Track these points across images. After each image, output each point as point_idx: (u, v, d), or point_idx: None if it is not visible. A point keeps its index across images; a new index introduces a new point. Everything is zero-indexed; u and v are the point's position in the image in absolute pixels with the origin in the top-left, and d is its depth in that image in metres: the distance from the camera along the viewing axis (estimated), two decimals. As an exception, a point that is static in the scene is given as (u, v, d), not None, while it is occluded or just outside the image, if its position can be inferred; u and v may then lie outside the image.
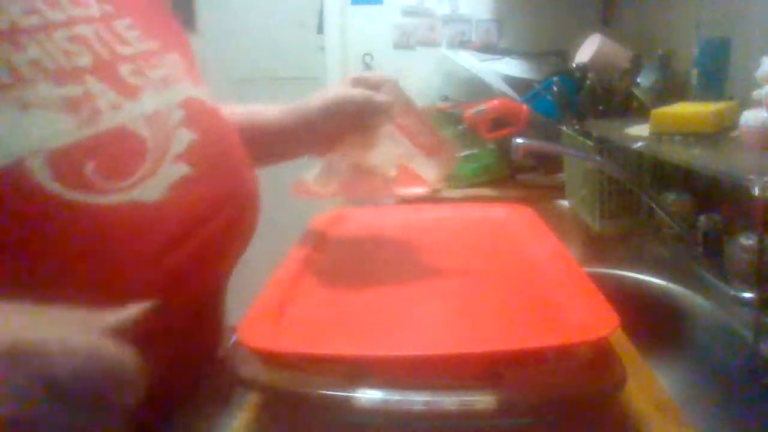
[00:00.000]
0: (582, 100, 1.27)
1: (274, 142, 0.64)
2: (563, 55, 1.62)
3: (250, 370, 0.41)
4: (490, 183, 1.34)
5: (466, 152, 1.34)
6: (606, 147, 0.94)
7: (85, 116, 0.40)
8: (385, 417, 0.39)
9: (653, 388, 0.47)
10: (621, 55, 1.31)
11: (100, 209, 0.39)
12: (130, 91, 0.44)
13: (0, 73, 0.37)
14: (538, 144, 0.95)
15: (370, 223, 0.74)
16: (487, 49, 1.75)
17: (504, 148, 1.25)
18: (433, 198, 1.19)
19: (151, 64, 0.48)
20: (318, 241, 0.67)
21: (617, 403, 0.44)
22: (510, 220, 0.73)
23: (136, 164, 0.42)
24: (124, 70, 0.45)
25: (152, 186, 0.42)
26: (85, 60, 0.43)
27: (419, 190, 0.63)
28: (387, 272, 0.58)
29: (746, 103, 0.81)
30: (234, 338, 0.47)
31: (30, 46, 0.39)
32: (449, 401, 0.37)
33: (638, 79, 1.27)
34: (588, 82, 1.28)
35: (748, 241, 0.71)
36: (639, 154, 0.91)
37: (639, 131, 0.92)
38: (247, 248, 0.55)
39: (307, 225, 0.72)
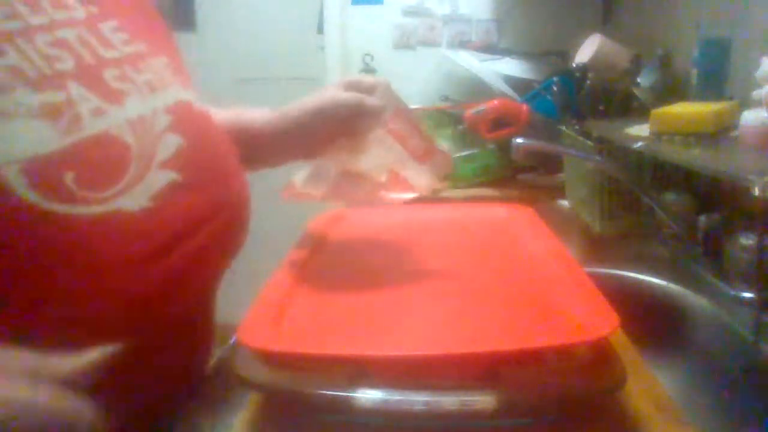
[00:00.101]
0: (582, 100, 1.27)
1: (263, 147, 0.63)
2: (563, 55, 1.62)
3: (250, 370, 0.41)
4: (490, 183, 1.34)
5: (466, 152, 1.34)
6: (606, 147, 0.94)
7: (65, 123, 0.39)
8: (385, 417, 0.39)
9: (653, 388, 0.47)
10: (621, 55, 1.31)
11: (81, 220, 0.38)
12: (114, 97, 0.43)
13: None
14: (538, 144, 0.95)
15: (370, 223, 0.74)
16: (487, 49, 1.75)
17: (504, 148, 1.24)
18: (433, 198, 1.19)
19: (137, 67, 0.47)
20: (318, 241, 0.67)
21: (617, 403, 0.44)
22: (510, 220, 0.73)
23: (119, 172, 0.41)
24: (109, 74, 0.44)
25: (137, 194, 0.41)
26: (67, 65, 0.41)
27: (409, 196, 0.62)
28: (387, 272, 0.58)
29: (746, 103, 0.81)
30: (234, 338, 0.47)
31: (9, 52, 0.38)
32: (449, 401, 0.37)
33: (638, 79, 1.27)
34: (588, 82, 1.28)
35: (748, 241, 0.71)
36: (639, 154, 0.91)
37: (639, 131, 0.92)
38: (245, 249, 0.55)
39: (306, 225, 0.72)
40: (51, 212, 0.37)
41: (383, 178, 0.60)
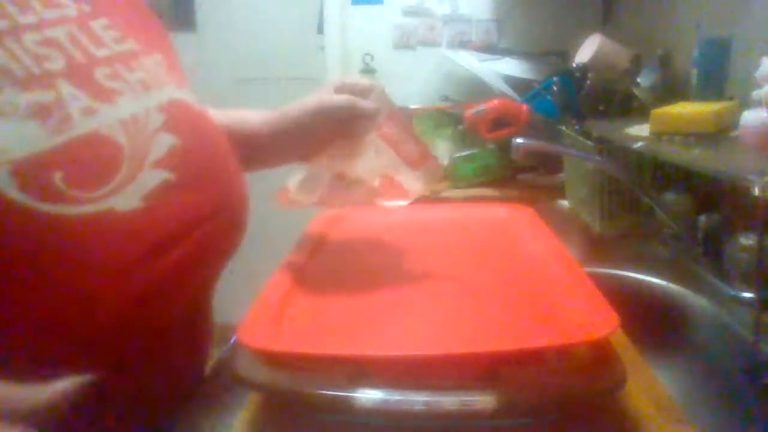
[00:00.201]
0: (582, 100, 1.27)
1: (260, 148, 0.62)
2: (563, 55, 1.62)
3: (250, 370, 0.41)
4: (490, 183, 1.34)
5: (466, 152, 1.34)
6: (606, 147, 0.94)
7: (54, 123, 0.38)
8: (385, 417, 0.39)
9: (653, 388, 0.47)
10: (621, 55, 1.32)
11: (72, 220, 0.38)
12: (105, 95, 0.42)
13: None
14: (538, 144, 0.95)
15: (370, 224, 0.74)
16: (487, 49, 1.75)
17: (504, 148, 1.24)
18: (433, 198, 1.19)
19: (129, 66, 0.46)
20: (317, 241, 0.67)
21: (617, 403, 0.44)
22: (510, 220, 0.73)
23: (111, 172, 0.40)
24: (100, 73, 0.43)
25: (129, 194, 0.41)
26: (57, 64, 0.41)
27: (401, 202, 0.62)
28: (387, 272, 0.58)
29: (746, 103, 0.81)
30: (234, 338, 0.47)
31: None
32: (449, 401, 0.37)
33: (638, 79, 1.27)
34: (588, 82, 1.28)
35: (748, 241, 0.71)
36: (639, 154, 0.91)
37: (639, 131, 0.92)
38: (244, 250, 0.55)
39: (306, 225, 0.72)
40: (40, 212, 0.36)
41: (376, 183, 0.60)
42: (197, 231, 0.45)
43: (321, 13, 1.96)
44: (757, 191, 0.57)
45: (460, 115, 1.33)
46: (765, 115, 0.72)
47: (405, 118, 0.60)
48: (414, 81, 1.85)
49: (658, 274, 0.80)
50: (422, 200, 0.65)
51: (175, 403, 0.48)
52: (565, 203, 1.18)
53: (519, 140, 0.90)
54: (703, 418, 0.65)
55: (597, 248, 0.94)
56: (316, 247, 0.65)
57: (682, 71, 1.17)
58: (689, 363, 0.73)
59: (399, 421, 0.39)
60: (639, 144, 0.85)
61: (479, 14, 1.88)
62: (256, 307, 0.48)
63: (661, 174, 0.94)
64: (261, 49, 2.30)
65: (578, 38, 1.44)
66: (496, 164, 1.35)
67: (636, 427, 0.42)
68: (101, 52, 0.44)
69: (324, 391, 0.39)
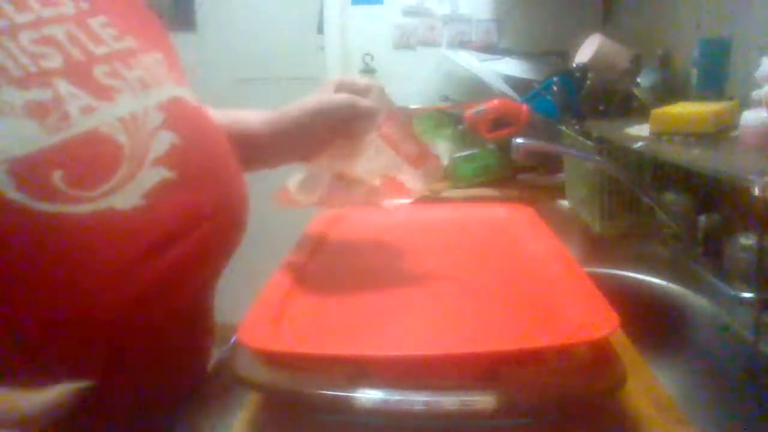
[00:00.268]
0: (582, 100, 1.27)
1: (260, 148, 0.62)
2: (563, 55, 1.62)
3: (250, 370, 0.41)
4: (491, 183, 1.34)
5: (466, 152, 1.34)
6: (606, 147, 0.94)
7: (52, 121, 0.38)
8: (385, 417, 0.39)
9: (653, 388, 0.47)
10: (621, 55, 1.32)
11: (71, 219, 0.37)
12: (104, 94, 0.42)
13: None
14: (538, 144, 0.95)
15: (370, 224, 0.74)
16: (487, 49, 1.75)
17: (504, 148, 1.24)
18: (433, 198, 1.19)
19: (127, 64, 0.46)
20: (317, 241, 0.67)
21: (617, 403, 0.44)
22: (510, 220, 0.73)
23: (110, 170, 0.40)
24: (99, 71, 0.43)
25: (129, 192, 0.41)
26: (54, 62, 0.41)
27: (402, 201, 0.62)
28: (387, 272, 0.58)
29: (746, 103, 0.81)
30: (234, 338, 0.47)
31: None
32: (449, 401, 0.37)
33: (638, 79, 1.27)
34: (588, 82, 1.28)
35: (748, 241, 0.71)
36: (639, 154, 0.91)
37: (639, 131, 0.92)
38: (244, 249, 0.55)
39: (307, 225, 0.72)
40: (39, 211, 0.36)
41: (377, 182, 0.60)
42: (197, 230, 0.45)
43: (321, 13, 1.96)
44: (757, 191, 0.57)
45: (460, 115, 1.33)
46: (765, 115, 0.72)
47: (405, 117, 0.60)
48: (414, 81, 1.85)
49: (658, 274, 0.80)
50: (422, 200, 0.65)
51: (175, 403, 0.48)
52: (565, 203, 1.18)
53: (519, 140, 0.90)
54: (703, 418, 0.66)
55: (597, 248, 0.94)
56: (316, 247, 0.65)
57: (682, 71, 1.17)
58: (689, 363, 0.73)
59: (399, 421, 0.39)
60: (639, 144, 0.85)
61: (479, 14, 1.88)
62: (256, 307, 0.48)
63: (661, 174, 0.94)
64: (261, 49, 2.30)
65: (578, 38, 1.44)
66: (496, 164, 1.36)
67: (636, 427, 0.42)
68: (100, 50, 0.44)
69: (324, 391, 0.39)
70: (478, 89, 1.58)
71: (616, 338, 0.49)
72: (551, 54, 1.67)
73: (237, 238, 0.53)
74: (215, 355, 0.57)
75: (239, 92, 2.23)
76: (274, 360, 0.41)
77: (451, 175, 1.32)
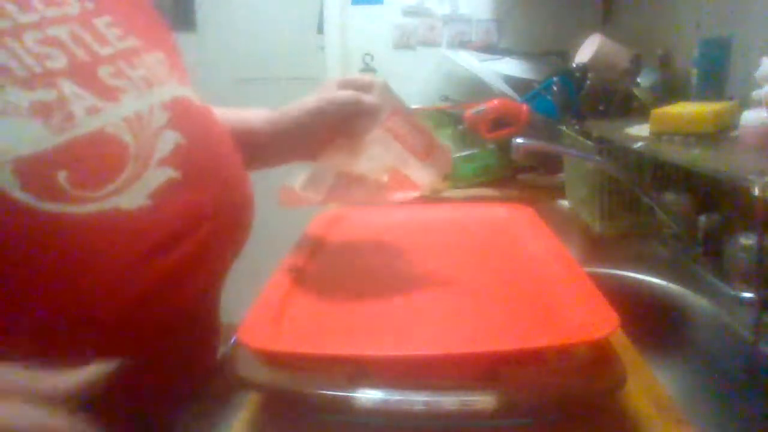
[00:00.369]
0: (582, 100, 1.27)
1: (262, 147, 0.62)
2: (563, 55, 1.62)
3: (250, 370, 0.41)
4: (490, 183, 1.34)
5: (466, 152, 1.34)
6: (606, 147, 0.94)
7: (57, 122, 0.38)
8: (385, 417, 0.39)
9: (653, 388, 0.47)
10: (621, 55, 1.32)
11: (76, 219, 0.38)
12: (109, 94, 0.42)
13: None
14: (538, 144, 0.95)
15: (370, 224, 0.74)
16: (487, 49, 1.75)
17: (504, 148, 1.24)
18: (433, 198, 1.19)
19: (132, 64, 0.46)
20: (318, 241, 0.67)
21: (617, 403, 0.44)
22: (510, 220, 0.73)
23: (115, 170, 0.40)
24: (103, 71, 0.43)
25: (135, 192, 0.41)
26: (59, 63, 0.41)
27: (411, 195, 0.62)
28: (387, 272, 0.58)
29: (746, 103, 0.81)
30: (234, 338, 0.47)
31: None
32: (449, 401, 0.37)
33: (638, 79, 1.27)
34: (588, 82, 1.28)
35: (748, 241, 0.71)
36: (639, 154, 0.91)
37: (639, 131, 0.92)
38: (245, 249, 0.55)
39: (307, 225, 0.72)
40: (44, 212, 0.36)
41: (385, 178, 0.60)
42: (202, 229, 0.45)
43: (321, 13, 1.96)
44: (757, 191, 0.57)
45: (460, 115, 1.33)
46: (765, 115, 0.73)
47: (410, 111, 0.60)
48: (414, 81, 1.85)
49: (658, 274, 0.80)
50: (422, 200, 0.65)
51: (180, 402, 0.48)
52: (565, 203, 1.18)
53: (519, 140, 0.90)
54: (703, 418, 0.66)
55: (597, 248, 0.94)
56: (316, 247, 0.65)
57: (682, 71, 1.17)
58: (689, 363, 0.73)
59: (399, 421, 0.39)
60: (639, 144, 0.85)
61: (479, 14, 1.88)
62: (256, 307, 0.48)
63: (661, 174, 0.94)
64: (261, 49, 2.30)
65: (578, 38, 1.44)
66: (496, 164, 1.36)
67: (636, 427, 0.42)
68: (105, 51, 0.44)
69: (324, 391, 0.39)
70: (478, 89, 1.58)
71: (616, 338, 0.49)
72: (551, 54, 1.67)
73: (242, 238, 0.53)
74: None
75: (239, 92, 2.23)
76: (274, 360, 0.41)
77: (451, 175, 1.32)
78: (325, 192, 0.58)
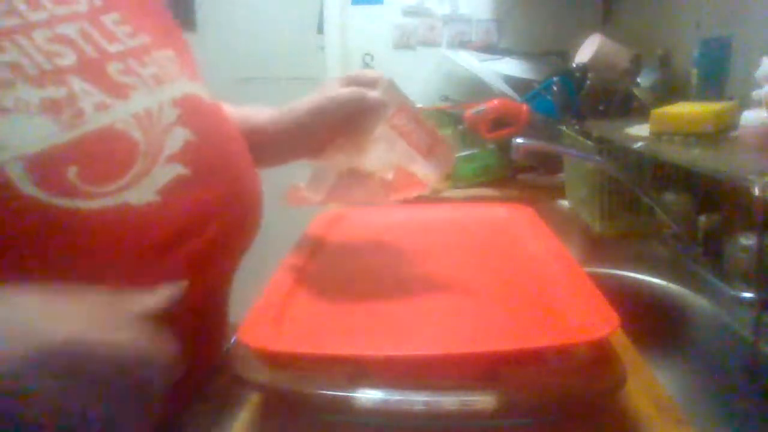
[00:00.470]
0: (582, 100, 1.27)
1: (267, 145, 0.62)
2: (563, 55, 1.62)
3: (250, 370, 0.41)
4: (490, 183, 1.34)
5: (466, 152, 1.34)
6: (606, 147, 0.94)
7: (67, 118, 0.39)
8: (385, 417, 0.39)
9: (653, 388, 0.47)
10: (621, 55, 1.32)
11: (86, 214, 0.38)
12: (119, 90, 0.43)
13: None
14: (538, 144, 0.95)
15: (370, 223, 0.74)
16: (487, 49, 1.75)
17: (504, 148, 1.24)
18: (433, 198, 1.19)
19: (141, 60, 0.46)
20: (318, 241, 0.67)
21: (617, 403, 0.44)
22: (510, 220, 0.73)
23: (125, 166, 0.41)
24: (113, 68, 0.44)
25: (144, 188, 0.41)
26: (68, 60, 0.41)
27: (416, 194, 0.62)
28: (387, 272, 0.58)
29: (746, 103, 0.81)
30: (234, 338, 0.47)
31: (8, 48, 0.38)
32: (449, 401, 0.37)
33: (638, 79, 1.27)
34: (588, 82, 1.28)
35: (748, 241, 0.71)
36: (639, 154, 0.91)
37: (639, 131, 0.92)
38: (251, 247, 0.55)
39: (307, 225, 0.72)
40: (54, 207, 0.37)
41: (390, 176, 0.59)
42: (210, 226, 0.46)
43: (321, 13, 1.96)
44: (757, 191, 0.57)
45: (460, 115, 1.33)
46: (765, 115, 0.73)
47: (415, 108, 0.59)
48: (414, 81, 1.85)
49: (658, 274, 0.80)
50: (422, 200, 0.65)
51: (184, 401, 0.48)
52: (565, 203, 1.18)
53: (519, 140, 0.90)
54: (703, 418, 0.66)
55: (597, 248, 0.94)
56: (316, 247, 0.65)
57: (682, 71, 1.17)
58: (689, 363, 0.73)
59: (399, 421, 0.39)
60: (639, 144, 0.85)
61: (479, 14, 1.88)
62: (256, 307, 0.48)
63: (661, 174, 0.94)
64: (261, 49, 2.29)
65: (578, 38, 1.44)
66: (496, 164, 1.36)
67: (636, 427, 0.42)
68: (113, 47, 0.45)
69: (324, 391, 0.39)
70: (478, 89, 1.58)
71: (616, 338, 0.49)
72: (551, 54, 1.67)
73: (250, 235, 0.53)
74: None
75: (239, 92, 2.21)
76: (274, 360, 0.41)
77: (451, 175, 1.32)
78: (327, 191, 0.58)
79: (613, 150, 0.93)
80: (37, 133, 0.37)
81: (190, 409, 0.48)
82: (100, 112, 0.41)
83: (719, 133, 0.81)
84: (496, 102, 1.29)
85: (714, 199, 0.89)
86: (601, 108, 1.23)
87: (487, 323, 0.47)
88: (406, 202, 0.62)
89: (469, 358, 0.40)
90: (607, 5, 1.76)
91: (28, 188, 0.36)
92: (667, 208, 0.86)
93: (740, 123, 0.76)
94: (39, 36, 0.40)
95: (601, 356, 0.41)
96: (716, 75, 0.99)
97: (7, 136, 0.36)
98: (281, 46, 2.29)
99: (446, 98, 1.73)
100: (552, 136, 1.14)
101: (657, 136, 0.86)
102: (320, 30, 1.99)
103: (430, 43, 1.90)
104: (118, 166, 0.40)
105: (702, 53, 1.00)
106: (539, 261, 0.58)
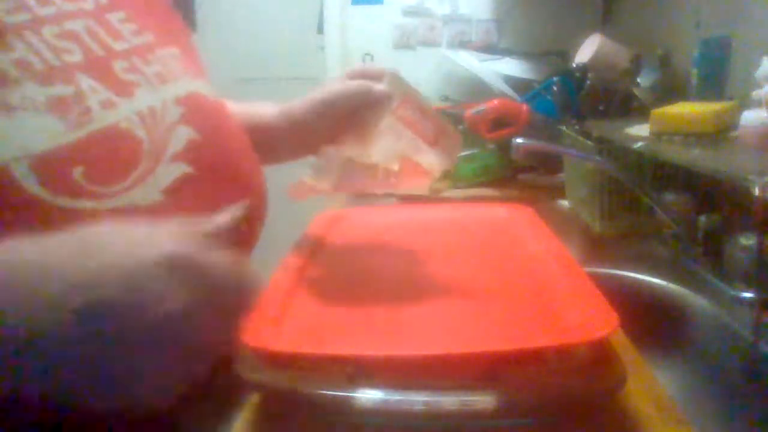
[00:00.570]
0: (582, 100, 1.27)
1: (270, 143, 0.62)
2: (563, 55, 1.62)
3: (251, 370, 0.41)
4: (490, 183, 1.34)
5: (466, 152, 1.34)
6: (606, 147, 0.94)
7: (74, 117, 0.39)
8: (385, 417, 0.39)
9: (653, 388, 0.47)
10: (621, 55, 1.32)
11: (91, 215, 0.38)
12: (123, 89, 0.43)
13: None
14: (538, 144, 0.95)
15: (370, 223, 0.74)
16: (487, 49, 1.75)
17: (504, 148, 1.24)
18: (433, 198, 1.19)
19: (146, 59, 0.46)
20: (318, 241, 0.67)
21: (617, 403, 0.44)
22: (510, 220, 0.73)
23: (129, 165, 0.41)
24: (118, 66, 0.43)
25: (148, 188, 0.41)
26: (75, 57, 0.41)
27: (420, 188, 0.61)
28: (386, 272, 0.58)
29: (746, 103, 0.81)
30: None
31: (16, 45, 0.38)
32: (449, 401, 0.37)
33: (638, 79, 1.27)
34: (588, 82, 1.28)
35: (748, 241, 0.71)
36: (639, 154, 0.91)
37: (639, 131, 0.92)
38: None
39: (307, 225, 0.72)
40: (60, 207, 0.37)
41: (396, 167, 0.59)
42: None
43: (321, 13, 1.96)
44: (757, 191, 0.57)
45: (460, 115, 1.33)
46: (765, 115, 0.73)
47: (421, 98, 0.59)
48: (414, 81, 1.83)
49: (658, 274, 0.80)
50: (422, 200, 0.65)
51: (186, 398, 0.48)
52: (565, 203, 1.18)
53: (519, 140, 0.90)
54: (703, 418, 0.66)
55: (597, 248, 0.94)
56: (316, 247, 0.65)
57: (682, 71, 1.17)
58: (689, 363, 0.73)
59: (399, 421, 0.39)
60: (639, 144, 0.85)
61: (479, 14, 1.88)
62: (256, 307, 0.47)
63: (661, 174, 0.94)
64: (261, 49, 2.30)
65: (578, 38, 1.44)
66: (496, 164, 1.35)
67: (636, 427, 0.42)
68: (119, 46, 0.45)
69: (324, 391, 0.39)
70: (478, 89, 1.58)
71: (616, 338, 0.49)
72: (551, 54, 1.67)
73: (255, 233, 0.53)
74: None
75: (239, 92, 2.21)
76: (274, 360, 0.41)
77: (451, 175, 1.32)
78: (333, 181, 0.57)
79: (613, 150, 0.93)
80: (43, 132, 0.37)
81: (190, 408, 0.48)
82: (106, 111, 0.41)
83: (719, 133, 0.81)
84: (496, 102, 1.28)
85: (714, 199, 0.89)
86: (601, 108, 1.23)
87: (487, 323, 0.47)
88: (407, 202, 0.62)
89: (469, 358, 0.40)
90: (607, 5, 1.76)
91: (33, 187, 0.36)
92: (667, 208, 0.86)
93: (740, 123, 0.76)
94: (48, 32, 0.40)
95: (601, 356, 0.41)
96: (716, 75, 0.99)
97: (12, 135, 0.36)
98: (281, 46, 2.29)
99: (446, 98, 1.73)
100: (552, 136, 1.14)
101: (657, 136, 0.86)
102: (320, 30, 1.99)
103: (430, 43, 1.90)
104: (123, 166, 0.40)
105: (702, 53, 1.00)
106: (539, 261, 0.58)
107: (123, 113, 0.42)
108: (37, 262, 0.29)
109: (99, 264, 0.28)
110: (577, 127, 1.15)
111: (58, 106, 0.38)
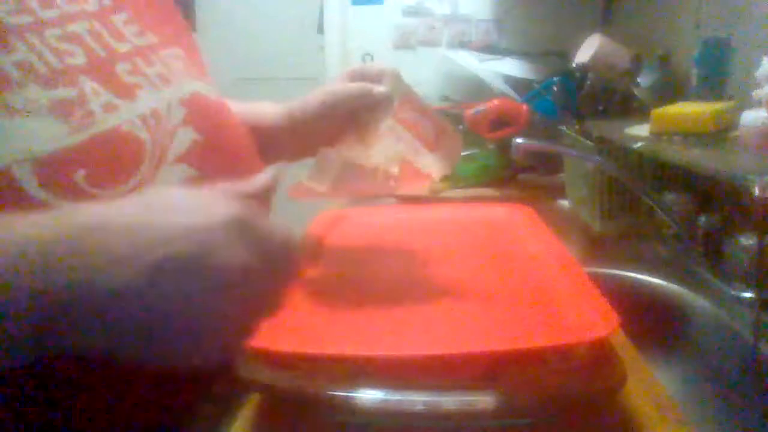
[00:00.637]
0: (582, 100, 1.27)
1: (272, 143, 0.62)
2: (563, 55, 1.62)
3: (250, 370, 0.41)
4: (491, 183, 1.34)
5: (466, 152, 1.34)
6: (606, 147, 0.94)
7: (76, 120, 0.39)
8: (385, 417, 0.39)
9: (653, 388, 0.47)
10: (621, 55, 1.31)
11: None
12: (126, 91, 0.42)
13: None
14: (538, 144, 0.95)
15: (370, 224, 0.74)
16: (487, 49, 1.75)
17: (504, 148, 1.24)
18: (433, 198, 1.19)
19: (148, 60, 0.46)
20: (318, 241, 0.67)
21: (617, 403, 0.44)
22: (510, 220, 0.73)
23: (132, 168, 0.41)
24: (121, 68, 0.43)
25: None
26: (78, 59, 0.41)
27: (420, 190, 0.61)
28: (387, 272, 0.58)
29: (746, 103, 0.81)
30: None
31: (19, 47, 0.38)
32: (449, 401, 0.37)
33: (638, 79, 1.27)
34: (588, 82, 1.28)
35: (748, 241, 0.71)
36: (639, 154, 0.91)
37: (639, 131, 0.92)
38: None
39: (308, 225, 0.72)
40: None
41: (395, 170, 0.59)
42: None
43: (321, 13, 1.96)
44: (757, 191, 0.57)
45: (460, 115, 1.33)
46: (765, 115, 0.72)
47: (421, 99, 0.59)
48: (414, 81, 1.84)
49: (658, 274, 0.80)
50: (422, 200, 0.65)
51: (187, 399, 0.48)
52: (565, 203, 1.18)
53: (519, 140, 0.90)
54: (703, 418, 0.66)
55: (597, 248, 0.94)
56: (316, 247, 0.65)
57: (682, 71, 1.17)
58: (689, 363, 0.73)
59: (399, 421, 0.39)
60: (639, 144, 0.85)
61: (479, 14, 1.88)
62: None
63: (661, 174, 0.94)
64: (261, 49, 2.30)
65: (578, 38, 1.43)
66: (496, 164, 1.35)
67: (636, 427, 0.42)
68: (122, 47, 0.45)
69: (324, 391, 0.39)
70: (478, 89, 1.58)
71: (616, 338, 0.49)
72: (551, 54, 1.67)
73: None
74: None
75: (239, 92, 2.21)
76: (274, 360, 0.41)
77: (451, 175, 1.32)
78: (332, 182, 0.57)
79: (613, 150, 0.93)
80: (46, 135, 0.37)
81: (191, 409, 0.48)
82: (108, 113, 0.41)
83: (719, 133, 0.81)
84: (496, 102, 1.28)
85: (714, 199, 0.88)
86: (601, 108, 1.23)
87: (486, 323, 0.47)
88: (407, 202, 0.62)
89: (469, 358, 0.41)
90: (607, 5, 1.76)
91: (35, 190, 0.36)
92: (667, 208, 0.86)
93: (740, 123, 0.76)
94: (50, 34, 0.40)
95: (601, 356, 0.41)
96: (716, 75, 0.99)
97: (14, 137, 0.36)
98: (281, 46, 2.29)
99: (446, 98, 1.73)
100: (552, 136, 1.14)
101: (657, 136, 0.86)
102: (320, 30, 1.99)
103: (430, 43, 1.90)
104: (125, 169, 0.40)
105: (702, 53, 1.00)
106: (539, 261, 0.58)
107: (125, 116, 0.42)
108: (97, 224, 0.28)
109: (169, 223, 0.28)
110: (577, 127, 1.15)
111: (61, 108, 0.38)
